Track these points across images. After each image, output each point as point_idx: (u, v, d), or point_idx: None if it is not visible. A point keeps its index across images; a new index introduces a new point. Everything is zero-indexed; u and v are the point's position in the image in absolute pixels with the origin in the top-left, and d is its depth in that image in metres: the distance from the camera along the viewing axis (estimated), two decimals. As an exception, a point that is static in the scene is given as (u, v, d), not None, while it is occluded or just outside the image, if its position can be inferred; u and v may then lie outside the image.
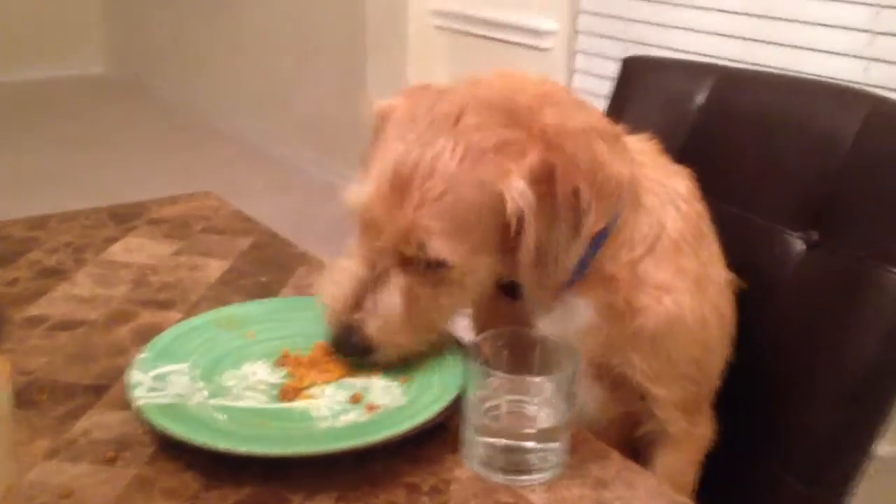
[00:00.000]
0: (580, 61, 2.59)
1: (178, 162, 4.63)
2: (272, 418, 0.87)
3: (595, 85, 2.58)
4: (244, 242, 1.36)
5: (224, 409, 0.87)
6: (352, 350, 0.90)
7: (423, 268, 0.88)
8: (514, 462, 0.82)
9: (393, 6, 2.96)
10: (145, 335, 1.03)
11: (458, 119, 0.85)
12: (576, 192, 0.85)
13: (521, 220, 0.85)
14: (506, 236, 0.87)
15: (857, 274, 1.09)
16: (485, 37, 2.77)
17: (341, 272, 0.90)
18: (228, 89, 4.91)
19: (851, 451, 1.08)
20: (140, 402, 0.85)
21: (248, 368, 0.95)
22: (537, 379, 0.84)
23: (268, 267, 1.28)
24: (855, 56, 1.94)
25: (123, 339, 1.06)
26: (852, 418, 1.07)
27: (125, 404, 0.88)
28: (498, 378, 0.83)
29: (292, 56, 4.26)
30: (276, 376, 0.94)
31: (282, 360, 0.96)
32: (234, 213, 1.49)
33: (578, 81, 2.62)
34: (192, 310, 1.14)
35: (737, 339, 1.08)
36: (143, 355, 0.93)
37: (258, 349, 0.99)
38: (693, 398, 1.04)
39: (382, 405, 0.88)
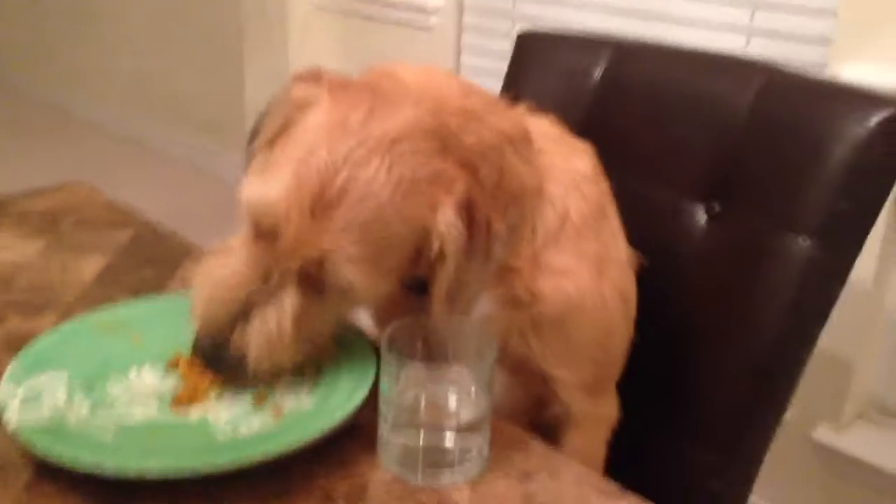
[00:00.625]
0: (467, 39, 2.55)
1: (42, 154, 4.34)
2: (165, 431, 0.79)
3: (482, 63, 2.55)
4: (122, 236, 1.26)
5: (109, 422, 0.79)
6: (223, 366, 0.82)
7: (320, 286, 0.81)
8: (435, 460, 0.77)
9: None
10: (14, 344, 0.92)
11: (394, 142, 0.78)
12: (489, 223, 0.82)
13: (441, 253, 0.81)
14: (415, 261, 0.83)
15: (760, 243, 1.09)
16: (369, 17, 2.69)
17: (226, 275, 0.81)
18: (89, 75, 4.63)
19: (762, 423, 1.09)
20: (12, 424, 0.75)
21: (135, 375, 0.87)
22: (455, 367, 0.79)
23: (150, 261, 1.19)
24: (737, 29, 1.97)
25: (-12, 348, 0.94)
26: (763, 390, 1.07)
27: (-6, 423, 0.78)
28: (413, 369, 0.78)
29: (160, 39, 4.05)
30: (168, 383, 0.86)
31: (173, 364, 0.88)
32: (108, 205, 1.37)
33: (466, 59, 2.58)
34: (66, 313, 1.03)
35: (644, 316, 1.07)
36: (12, 366, 0.83)
37: (146, 353, 0.90)
38: (596, 379, 1.03)
39: (289, 408, 0.81)
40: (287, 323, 0.80)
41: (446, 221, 0.79)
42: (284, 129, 0.84)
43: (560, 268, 0.95)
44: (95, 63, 4.57)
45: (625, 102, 1.26)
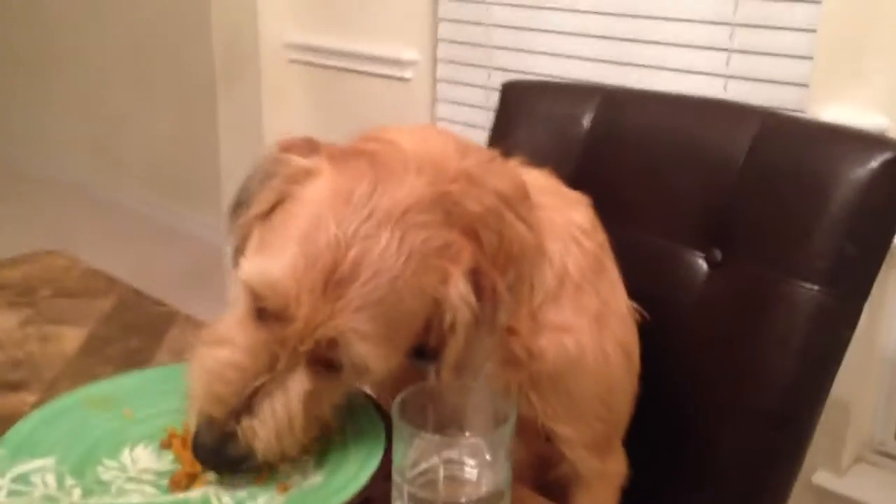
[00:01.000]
0: (442, 90, 2.55)
1: (9, 218, 4.26)
2: (166, 516, 0.74)
3: (457, 113, 2.54)
4: (104, 304, 1.21)
5: (107, 509, 0.73)
6: (226, 463, 0.77)
7: (331, 365, 0.77)
8: None
9: (242, 40, 2.83)
10: None
11: (403, 214, 0.75)
12: (494, 289, 0.80)
13: (452, 324, 0.78)
14: (423, 332, 0.80)
15: (765, 291, 1.07)
16: (344, 69, 2.68)
17: (227, 368, 0.76)
18: (54, 132, 4.57)
19: (779, 473, 1.06)
20: (-1, 514, 0.70)
21: (127, 456, 0.82)
22: (471, 438, 0.75)
23: (135, 330, 1.13)
24: (714, 74, 1.98)
25: (-33, 432, 0.89)
26: (777, 439, 1.04)
27: (-22, 517, 0.73)
28: (426, 440, 0.74)
29: (131, 97, 4.02)
30: (164, 462, 0.81)
31: (167, 442, 0.83)
32: (87, 272, 1.32)
33: (441, 110, 2.57)
34: (49, 389, 0.98)
35: (648, 368, 1.04)
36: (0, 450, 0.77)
37: (138, 431, 0.85)
38: (602, 436, 1.00)
39: (295, 484, 0.77)
40: (297, 409, 0.76)
41: (458, 294, 0.77)
42: (280, 202, 0.80)
43: (559, 324, 0.92)
44: (65, 125, 4.52)
45: (616, 151, 1.24)
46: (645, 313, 1.02)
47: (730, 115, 1.17)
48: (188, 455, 0.80)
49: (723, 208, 1.13)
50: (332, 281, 0.73)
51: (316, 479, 0.77)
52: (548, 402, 0.93)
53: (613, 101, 1.28)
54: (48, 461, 0.78)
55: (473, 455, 0.75)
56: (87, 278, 1.30)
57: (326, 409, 0.80)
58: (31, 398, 0.96)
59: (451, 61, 2.51)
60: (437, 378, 0.81)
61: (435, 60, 2.53)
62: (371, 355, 0.75)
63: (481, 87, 2.45)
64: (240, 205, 0.86)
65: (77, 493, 0.75)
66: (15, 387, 0.98)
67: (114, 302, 1.22)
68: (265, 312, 0.76)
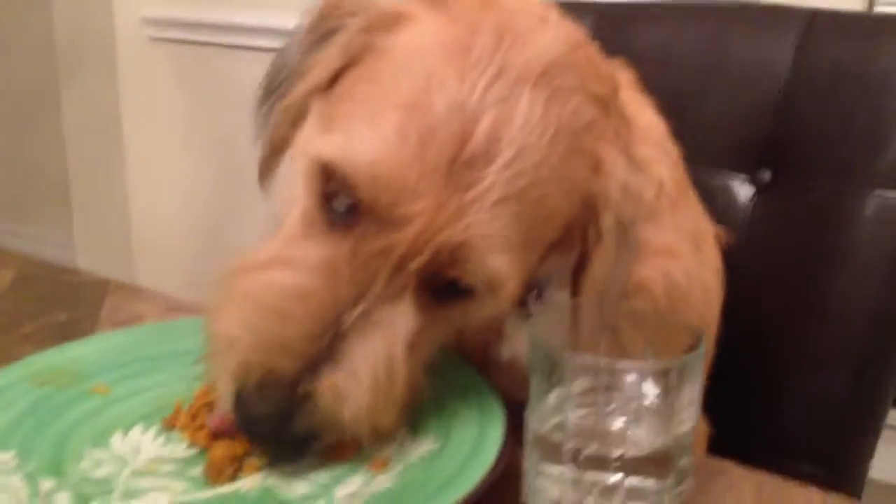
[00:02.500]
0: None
1: None
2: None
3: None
4: (3, 277, 0.90)
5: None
6: (295, 442, 0.51)
7: (441, 293, 0.54)
8: None
9: (91, 17, 2.47)
10: None
11: (543, 76, 0.53)
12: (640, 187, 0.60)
13: (600, 234, 0.57)
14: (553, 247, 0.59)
15: (828, 206, 0.93)
16: (220, 45, 2.37)
17: (292, 294, 0.51)
18: None
19: (861, 422, 0.91)
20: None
21: (122, 444, 0.55)
22: (631, 375, 0.54)
23: (56, 303, 0.85)
24: None
25: None
26: (859, 385, 0.90)
27: None
28: (579, 366, 0.52)
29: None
30: (178, 447, 0.55)
31: (173, 420, 0.57)
32: (-35, 245, 1.01)
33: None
34: (-45, 377, 0.68)
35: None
36: (-85, 454, 0.49)
37: (123, 410, 0.58)
38: None
39: (395, 457, 0.53)
40: (399, 358, 0.52)
41: (619, 185, 0.56)
42: (350, 64, 0.57)
43: (662, 248, 0.74)
44: None
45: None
46: (728, 236, 0.86)
47: (765, 19, 1.02)
48: (205, 434, 0.55)
49: (768, 124, 0.98)
50: (460, 161, 0.50)
51: (424, 445, 0.54)
52: (649, 346, 0.74)
53: (611, 17, 1.12)
54: (5, 456, 0.51)
55: (636, 396, 0.54)
56: (-35, 250, 0.99)
57: (426, 359, 0.56)
58: (-70, 390, 0.66)
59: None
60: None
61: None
62: (509, 273, 0.52)
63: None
64: (273, 89, 0.63)
65: (64, 498, 0.48)
66: None
67: (13, 274, 0.91)
68: (352, 212, 0.52)
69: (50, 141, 2.95)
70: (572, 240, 0.58)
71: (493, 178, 0.51)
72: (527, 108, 0.52)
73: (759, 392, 0.95)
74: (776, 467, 0.91)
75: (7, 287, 0.88)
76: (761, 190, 0.99)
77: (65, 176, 2.74)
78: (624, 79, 0.79)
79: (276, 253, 0.54)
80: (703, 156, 1.01)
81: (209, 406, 0.58)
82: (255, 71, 2.24)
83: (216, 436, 0.54)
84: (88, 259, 2.72)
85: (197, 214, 2.66)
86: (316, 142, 0.54)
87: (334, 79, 0.57)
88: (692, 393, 0.51)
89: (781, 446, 0.93)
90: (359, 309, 0.50)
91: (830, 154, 0.94)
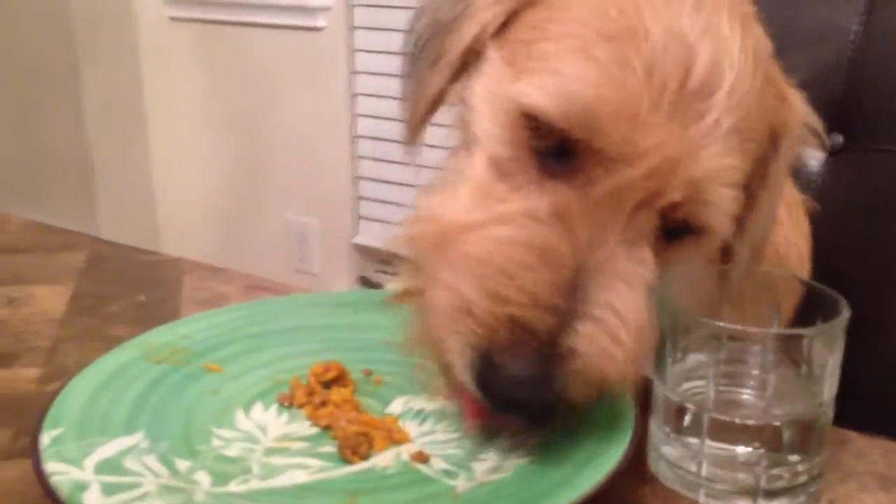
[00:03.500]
0: (360, 38, 2.29)
1: None
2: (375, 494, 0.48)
3: (379, 63, 2.29)
4: (74, 259, 0.90)
5: (272, 496, 0.47)
6: (553, 407, 0.47)
7: (673, 233, 0.52)
8: (727, 479, 0.51)
9: (109, 2, 2.45)
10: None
11: (731, 1, 0.52)
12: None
13: (768, 174, 0.56)
14: None
15: (902, 171, 0.92)
16: (241, 23, 2.35)
17: (522, 248, 0.47)
18: None
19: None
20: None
21: (246, 421, 0.55)
22: (769, 341, 0.53)
23: (135, 284, 0.84)
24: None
25: (-44, 424, 0.58)
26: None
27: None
28: (711, 333, 0.51)
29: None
30: (302, 424, 0.55)
31: (290, 396, 0.57)
32: (30, 225, 1.00)
33: (360, 61, 2.31)
34: (53, 359, 0.68)
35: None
36: (49, 439, 0.49)
37: (240, 387, 0.58)
38: None
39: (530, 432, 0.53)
40: (646, 306, 0.49)
41: (803, 118, 0.56)
42: (525, 4, 0.54)
43: None
44: None
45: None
46: (816, 203, 0.84)
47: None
48: (328, 412, 0.54)
49: (839, 86, 0.96)
50: (687, 90, 0.48)
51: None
52: (747, 315, 0.72)
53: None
54: (135, 438, 0.50)
55: (770, 371, 0.54)
56: (33, 232, 0.98)
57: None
58: (31, 372, 0.66)
59: (370, 4, 2.26)
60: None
61: (350, 5, 2.27)
62: (733, 209, 0.51)
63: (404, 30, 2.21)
64: (423, 39, 0.58)
65: (204, 478, 0.48)
66: (0, 361, 0.68)
67: (86, 255, 0.91)
68: (569, 156, 0.49)
69: (70, 123, 2.93)
70: (757, 173, 0.55)
71: (720, 108, 0.48)
72: (729, 35, 0.50)
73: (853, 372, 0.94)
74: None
75: (82, 269, 0.88)
76: (834, 155, 0.97)
77: (87, 157, 2.73)
78: None
79: (485, 209, 0.50)
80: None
81: (324, 384, 0.58)
82: (275, 49, 2.25)
83: (478, 419, 0.51)
84: (114, 239, 2.72)
85: (220, 191, 2.65)
86: (514, 88, 0.50)
87: (504, 24, 0.55)
88: (832, 363, 0.51)
89: (865, 411, 0.92)
90: (599, 256, 0.47)
91: (905, 115, 0.93)
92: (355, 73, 2.31)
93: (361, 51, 2.30)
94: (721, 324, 0.50)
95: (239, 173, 2.61)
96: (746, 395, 0.54)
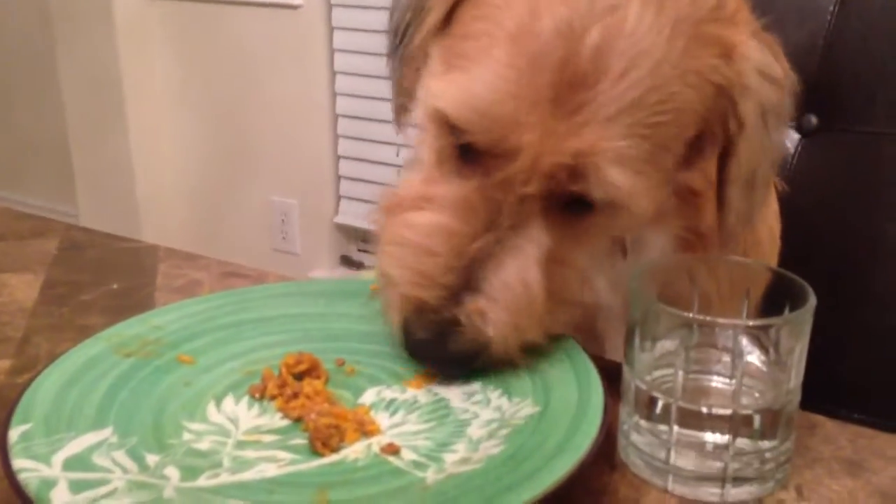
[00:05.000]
0: (338, 16, 2.27)
1: None
2: (347, 488, 0.48)
3: (359, 41, 2.27)
4: (46, 246, 0.89)
5: (242, 490, 0.47)
6: (450, 361, 0.57)
7: (572, 212, 0.56)
8: (695, 466, 0.52)
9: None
10: None
11: None
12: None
13: (741, 121, 0.56)
14: (694, 150, 0.59)
15: (877, 151, 0.93)
16: (218, 1, 2.33)
17: (431, 232, 0.56)
18: None
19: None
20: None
21: (217, 414, 0.55)
22: (736, 329, 0.53)
23: (109, 271, 0.84)
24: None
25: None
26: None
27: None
28: (682, 323, 0.51)
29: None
30: (274, 416, 0.55)
31: (261, 388, 0.57)
32: (2, 212, 0.99)
33: (339, 40, 2.29)
34: (24, 349, 0.68)
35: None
36: (17, 435, 0.48)
37: (211, 380, 0.58)
38: None
39: (499, 422, 0.53)
40: (535, 275, 0.55)
41: (755, 66, 0.55)
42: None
43: None
44: None
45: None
46: (783, 184, 0.85)
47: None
48: (299, 404, 0.55)
49: (813, 67, 0.97)
50: (566, 83, 0.50)
51: (525, 410, 0.53)
52: (724, 297, 0.73)
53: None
54: (104, 433, 0.50)
55: (742, 352, 0.54)
56: (4, 219, 0.97)
57: (571, 276, 0.58)
58: (1, 363, 0.66)
59: (347, -18, 2.24)
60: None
61: (326, -18, 2.25)
62: (632, 185, 0.53)
63: (387, 8, 2.19)
64: (398, 33, 0.63)
65: (174, 472, 0.48)
66: (-30, 352, 0.67)
67: (59, 242, 0.90)
68: (474, 151, 0.54)
69: (48, 106, 2.90)
70: (713, 133, 0.58)
71: (604, 95, 0.51)
72: (637, 11, 0.51)
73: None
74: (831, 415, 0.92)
75: (55, 256, 0.87)
76: (807, 136, 0.98)
77: (65, 142, 2.71)
78: None
79: (422, 190, 0.58)
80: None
81: (296, 375, 0.58)
82: (253, 27, 2.23)
83: None
84: (94, 224, 2.69)
85: (200, 172, 2.64)
86: (432, 86, 0.56)
87: (449, 18, 0.58)
88: (799, 350, 0.51)
89: (845, 389, 0.93)
90: (493, 239, 0.54)
91: (880, 96, 0.93)
92: (335, 51, 2.29)
93: (340, 28, 2.28)
94: (690, 314, 0.50)
95: (219, 154, 2.60)
96: (716, 382, 0.54)
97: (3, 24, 3.07)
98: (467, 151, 0.56)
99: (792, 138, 0.99)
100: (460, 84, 0.53)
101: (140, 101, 2.55)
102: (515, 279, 0.54)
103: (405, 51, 0.62)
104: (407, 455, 0.50)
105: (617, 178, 0.52)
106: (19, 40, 3.01)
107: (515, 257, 0.54)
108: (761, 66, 0.56)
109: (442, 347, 0.54)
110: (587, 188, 0.53)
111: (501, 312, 0.54)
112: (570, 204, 0.55)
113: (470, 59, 0.54)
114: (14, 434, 0.48)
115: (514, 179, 0.53)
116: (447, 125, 0.55)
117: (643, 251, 0.68)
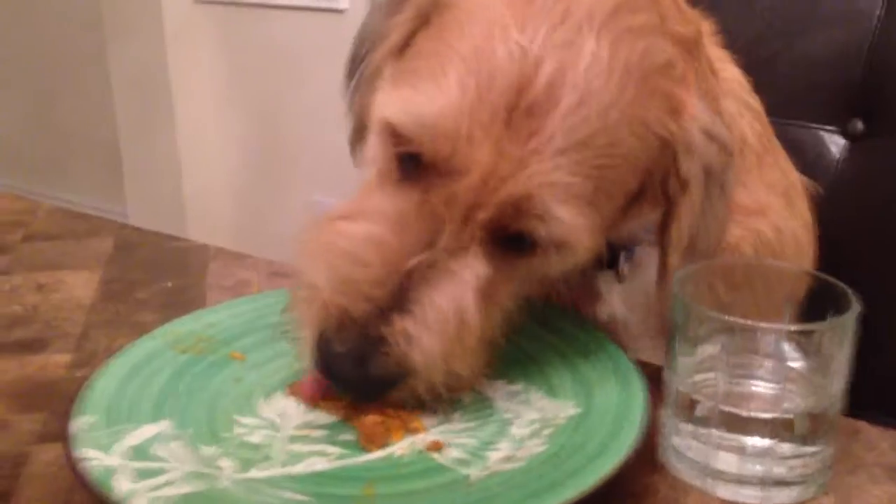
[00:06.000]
0: (383, 21, 2.29)
1: None
2: (390, 483, 0.49)
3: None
4: (102, 245, 0.92)
5: (293, 482, 0.49)
6: (367, 384, 0.53)
7: (507, 247, 0.54)
8: (737, 469, 0.52)
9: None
10: (29, 396, 0.61)
11: (611, 15, 0.53)
12: (723, 133, 0.59)
13: (684, 183, 0.56)
14: (634, 198, 0.59)
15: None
16: (263, 5, 2.36)
17: (366, 243, 0.53)
18: None
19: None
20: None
21: (267, 409, 0.56)
22: (773, 337, 0.54)
23: (162, 270, 0.86)
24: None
25: (-8, 409, 0.61)
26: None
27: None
28: (724, 327, 0.52)
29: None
30: (320, 413, 0.56)
31: (295, 391, 0.58)
32: (57, 212, 1.03)
33: (384, 44, 2.31)
34: (83, 345, 0.70)
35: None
36: (81, 425, 0.51)
37: (261, 376, 0.60)
38: None
39: (542, 422, 0.54)
40: (469, 304, 0.52)
41: (701, 128, 0.55)
42: (422, 21, 0.58)
43: (751, 206, 0.74)
44: None
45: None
46: (818, 186, 0.85)
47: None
48: (346, 403, 0.56)
49: (860, 70, 0.96)
50: (520, 109, 0.50)
51: (567, 410, 0.55)
52: (742, 298, 0.74)
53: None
54: (162, 425, 0.52)
55: (779, 365, 0.54)
56: (61, 219, 1.00)
57: (497, 315, 0.56)
58: (62, 357, 0.68)
59: (393, -14, 2.26)
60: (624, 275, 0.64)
61: (374, -13, 2.27)
62: (575, 225, 0.52)
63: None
64: (359, 59, 0.64)
65: (228, 464, 0.50)
66: (32, 346, 0.70)
67: (113, 241, 0.93)
68: (419, 164, 0.53)
69: (98, 106, 2.96)
70: (654, 190, 0.58)
71: (555, 126, 0.50)
72: (592, 50, 0.51)
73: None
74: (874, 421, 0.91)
75: (110, 255, 0.90)
76: (854, 141, 0.97)
77: (114, 142, 2.76)
78: (704, 28, 0.78)
79: (354, 205, 0.56)
80: (792, 108, 0.99)
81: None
82: (297, 30, 2.26)
83: (313, 401, 0.56)
84: (141, 221, 2.75)
85: (245, 172, 2.68)
86: (385, 97, 0.55)
87: (407, 41, 0.58)
88: (843, 356, 0.52)
89: (880, 397, 0.93)
90: (426, 256, 0.52)
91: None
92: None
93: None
94: (732, 318, 0.51)
95: (263, 154, 2.63)
96: (757, 386, 0.55)
97: (55, 26, 3.15)
98: (409, 165, 0.54)
99: (837, 143, 0.98)
100: (408, 96, 0.53)
101: (187, 102, 2.59)
102: (449, 305, 0.51)
103: (362, 75, 0.62)
104: (451, 452, 0.51)
105: (564, 216, 0.51)
106: (71, 43, 3.09)
107: (451, 282, 0.52)
108: (708, 128, 0.56)
109: (361, 367, 0.51)
110: (532, 225, 0.52)
111: (431, 338, 0.51)
112: (508, 239, 0.54)
113: (420, 76, 0.53)
114: (77, 425, 0.51)
115: (457, 199, 0.51)
116: (391, 136, 0.54)
117: (643, 270, 0.68)
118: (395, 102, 0.54)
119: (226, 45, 2.51)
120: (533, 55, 0.50)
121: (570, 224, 0.52)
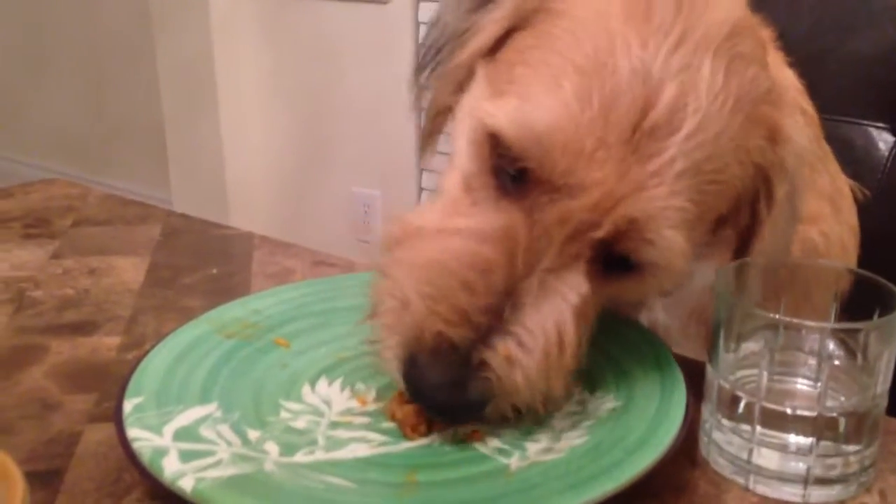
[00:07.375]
0: (426, 12, 2.30)
1: None
2: (432, 471, 0.50)
3: (446, 38, 2.30)
4: (150, 231, 0.94)
5: (336, 468, 0.49)
6: (465, 408, 0.51)
7: (602, 266, 0.53)
8: (778, 466, 0.52)
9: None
10: (81, 377, 0.63)
11: (728, 40, 0.52)
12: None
13: (772, 204, 0.57)
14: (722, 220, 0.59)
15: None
16: (307, -5, 2.39)
17: (465, 261, 0.50)
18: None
19: None
20: (187, 486, 0.45)
21: (312, 395, 0.57)
22: (846, 326, 0.53)
23: (208, 257, 0.88)
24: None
25: (44, 387, 0.62)
26: None
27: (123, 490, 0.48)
28: (767, 324, 0.52)
29: (21, 41, 3.58)
30: (362, 400, 0.57)
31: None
32: (108, 198, 1.05)
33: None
34: (132, 328, 0.72)
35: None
36: (130, 407, 0.52)
37: (305, 363, 0.61)
38: None
39: (582, 414, 0.55)
40: (571, 326, 0.51)
41: (796, 153, 0.55)
42: (519, 22, 0.56)
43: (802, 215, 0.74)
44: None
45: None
46: (865, 191, 0.84)
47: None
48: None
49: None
50: (643, 129, 0.49)
51: (607, 403, 0.55)
52: (788, 304, 0.73)
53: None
54: (210, 408, 0.54)
55: (823, 362, 0.54)
56: (111, 205, 1.02)
57: (588, 329, 0.55)
58: (112, 340, 0.70)
59: (437, -22, 2.26)
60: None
61: (417, -22, 2.27)
62: (681, 251, 0.51)
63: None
64: (433, 53, 0.62)
65: (273, 448, 0.51)
66: (83, 329, 0.72)
67: (161, 228, 0.95)
68: (523, 179, 0.51)
69: (144, 95, 3.01)
70: (739, 212, 0.57)
71: (676, 149, 0.50)
72: (709, 76, 0.51)
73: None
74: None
75: (158, 241, 0.92)
76: (904, 139, 0.96)
77: (160, 130, 2.80)
78: (765, 35, 0.77)
79: (446, 219, 0.54)
80: (841, 106, 0.98)
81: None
82: (341, 21, 2.27)
83: (419, 433, 0.54)
84: (185, 208, 2.80)
85: (286, 162, 2.70)
86: (484, 107, 0.53)
87: (499, 42, 0.57)
88: (888, 355, 0.51)
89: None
90: (534, 279, 0.50)
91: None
92: (420, 45, 2.32)
93: (427, 24, 2.31)
94: (776, 315, 0.51)
95: (304, 144, 2.66)
96: (800, 384, 0.55)
97: (104, 16, 3.21)
98: (507, 178, 0.52)
99: (886, 140, 0.97)
100: (518, 106, 0.51)
101: (232, 93, 2.63)
102: (552, 326, 0.50)
103: (442, 67, 0.61)
104: (491, 442, 0.52)
105: (673, 241, 0.50)
106: (118, 32, 3.14)
107: (554, 302, 0.51)
108: (800, 150, 0.56)
109: (459, 393, 0.49)
110: (641, 247, 0.51)
111: (532, 361, 0.50)
112: (608, 258, 0.53)
113: (527, 85, 0.52)
114: (128, 406, 0.52)
115: (572, 217, 0.50)
116: (495, 149, 0.53)
117: (687, 284, 0.68)
118: (501, 112, 0.52)
119: (269, 37, 2.54)
120: (656, 75, 0.50)
121: (677, 250, 0.51)
